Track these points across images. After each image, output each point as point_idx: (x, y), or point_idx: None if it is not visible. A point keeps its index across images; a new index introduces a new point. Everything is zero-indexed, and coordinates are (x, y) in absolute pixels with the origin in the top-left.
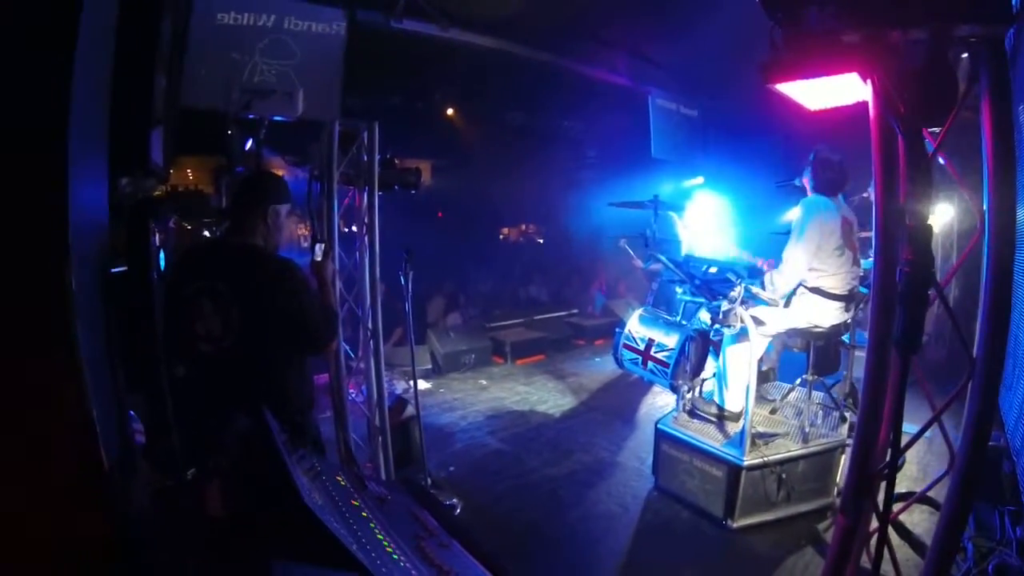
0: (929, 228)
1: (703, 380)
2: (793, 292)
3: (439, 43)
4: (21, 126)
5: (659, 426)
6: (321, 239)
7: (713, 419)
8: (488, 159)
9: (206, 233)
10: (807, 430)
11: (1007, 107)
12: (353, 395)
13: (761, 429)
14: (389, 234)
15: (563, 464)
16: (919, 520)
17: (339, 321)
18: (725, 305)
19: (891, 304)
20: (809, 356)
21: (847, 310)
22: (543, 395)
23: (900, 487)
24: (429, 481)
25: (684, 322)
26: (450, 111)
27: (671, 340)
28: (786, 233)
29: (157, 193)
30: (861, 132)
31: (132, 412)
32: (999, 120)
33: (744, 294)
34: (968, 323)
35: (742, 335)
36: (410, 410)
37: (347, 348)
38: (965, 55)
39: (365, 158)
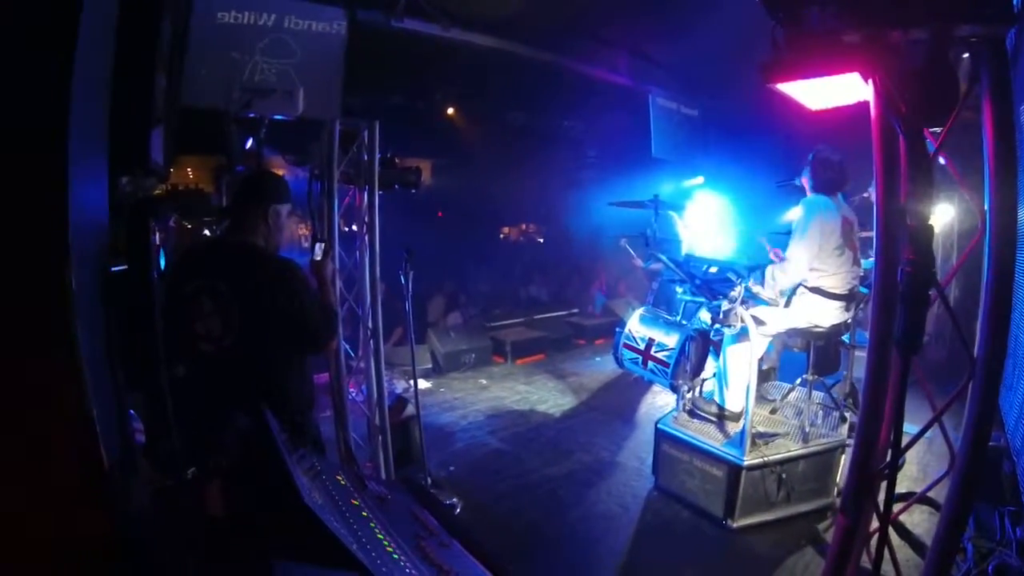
0: (930, 228)
1: (703, 380)
2: (793, 292)
3: (440, 43)
4: (21, 126)
5: (659, 426)
6: (321, 238)
7: (713, 419)
8: (489, 158)
9: (206, 232)
10: (807, 430)
11: (1008, 107)
12: (353, 394)
13: (761, 429)
14: (389, 233)
15: (563, 464)
16: (919, 520)
17: (339, 320)
18: (725, 305)
19: (892, 304)
20: (809, 356)
21: (847, 310)
22: (543, 395)
23: (900, 487)
24: (429, 480)
25: (684, 322)
26: (450, 110)
27: (671, 340)
28: (787, 233)
29: (157, 192)
30: (862, 132)
31: (132, 411)
32: (1000, 120)
33: (744, 294)
34: (969, 323)
35: (742, 335)
36: (410, 409)
37: (347, 347)
38: (966, 55)
39: (365, 157)
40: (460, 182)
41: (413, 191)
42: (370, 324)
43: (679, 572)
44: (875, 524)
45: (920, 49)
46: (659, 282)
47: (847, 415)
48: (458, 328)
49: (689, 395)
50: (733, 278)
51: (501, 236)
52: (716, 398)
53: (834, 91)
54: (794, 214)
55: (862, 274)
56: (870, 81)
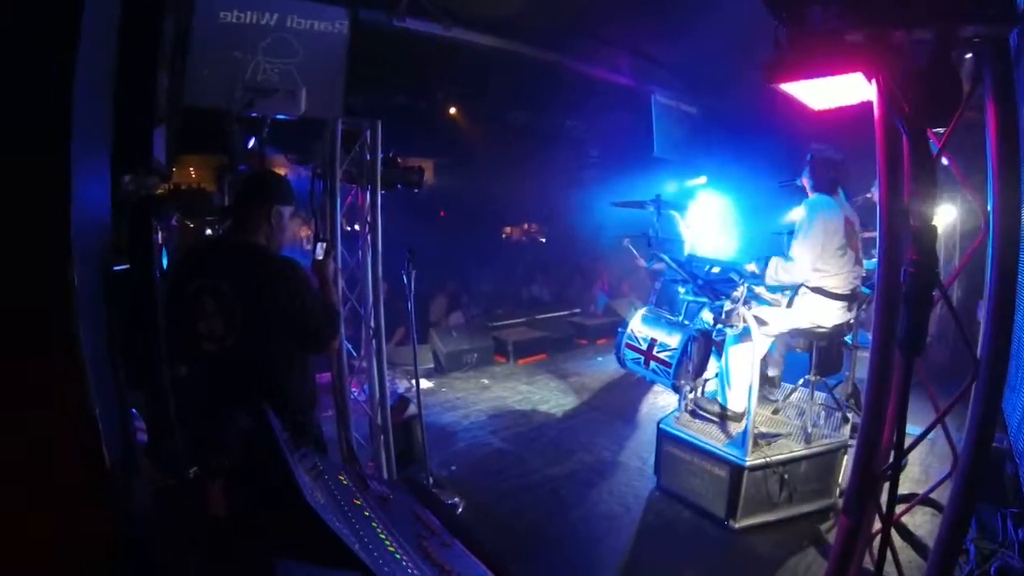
0: (933, 229)
1: (705, 380)
2: (795, 292)
3: (442, 42)
4: (24, 125)
5: (661, 426)
6: (323, 237)
7: (715, 419)
8: (491, 158)
9: (208, 231)
10: (809, 430)
11: (1011, 108)
12: (355, 394)
13: (763, 429)
14: (392, 233)
15: (565, 464)
16: (921, 522)
17: (341, 320)
18: (728, 305)
19: (895, 305)
20: (812, 356)
21: (849, 310)
22: (545, 394)
23: (903, 488)
24: (431, 480)
25: (687, 322)
26: (453, 110)
27: (674, 340)
28: (789, 233)
29: (160, 191)
30: (864, 132)
31: (134, 411)
32: (1003, 121)
33: (747, 294)
34: (972, 324)
35: (745, 335)
36: (412, 409)
37: (349, 347)
38: (969, 55)
39: (368, 157)
40: (462, 182)
41: (415, 191)
42: (372, 324)
43: (681, 572)
44: (877, 525)
45: (923, 49)
46: (661, 282)
47: (849, 416)
48: (460, 328)
49: (691, 395)
50: (735, 278)
51: (503, 236)
52: (718, 398)
53: (837, 91)
54: (796, 214)
55: (864, 274)
56: (873, 81)
